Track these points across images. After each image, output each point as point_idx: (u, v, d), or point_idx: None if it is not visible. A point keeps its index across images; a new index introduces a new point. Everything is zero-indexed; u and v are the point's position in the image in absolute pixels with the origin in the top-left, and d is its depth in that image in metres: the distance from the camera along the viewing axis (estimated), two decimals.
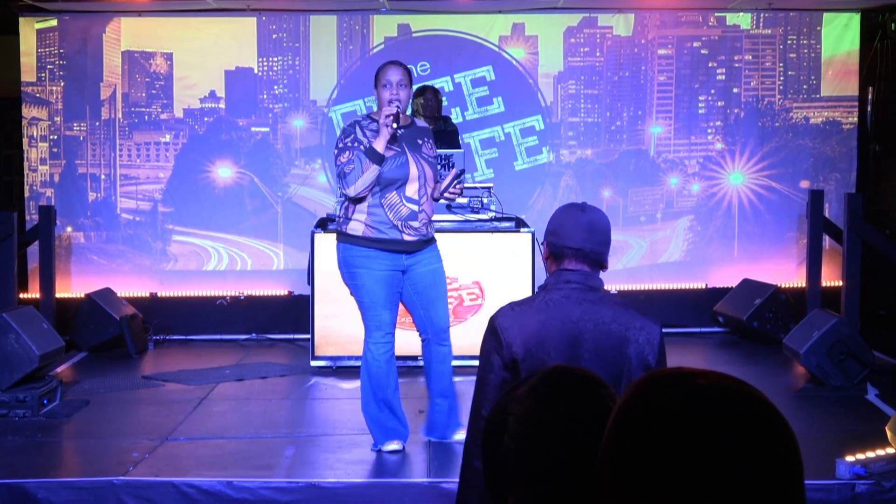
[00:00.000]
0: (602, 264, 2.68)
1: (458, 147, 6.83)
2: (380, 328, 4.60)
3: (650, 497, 1.04)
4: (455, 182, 4.62)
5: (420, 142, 4.64)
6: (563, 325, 2.58)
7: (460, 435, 4.59)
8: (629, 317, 2.61)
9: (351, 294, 4.70)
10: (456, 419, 4.81)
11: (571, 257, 2.64)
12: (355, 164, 4.43)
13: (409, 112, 4.65)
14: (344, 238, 4.60)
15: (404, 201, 4.53)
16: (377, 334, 4.60)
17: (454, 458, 4.65)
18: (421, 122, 4.84)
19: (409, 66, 4.73)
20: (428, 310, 4.70)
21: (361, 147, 4.48)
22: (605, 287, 2.71)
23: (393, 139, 4.51)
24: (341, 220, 4.65)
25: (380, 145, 4.45)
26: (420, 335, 4.79)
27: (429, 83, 7.32)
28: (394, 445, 4.69)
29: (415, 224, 4.56)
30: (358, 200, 4.55)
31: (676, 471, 1.03)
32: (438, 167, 4.70)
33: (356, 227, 4.56)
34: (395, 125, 4.45)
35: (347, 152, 4.50)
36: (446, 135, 6.87)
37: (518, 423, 1.53)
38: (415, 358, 4.99)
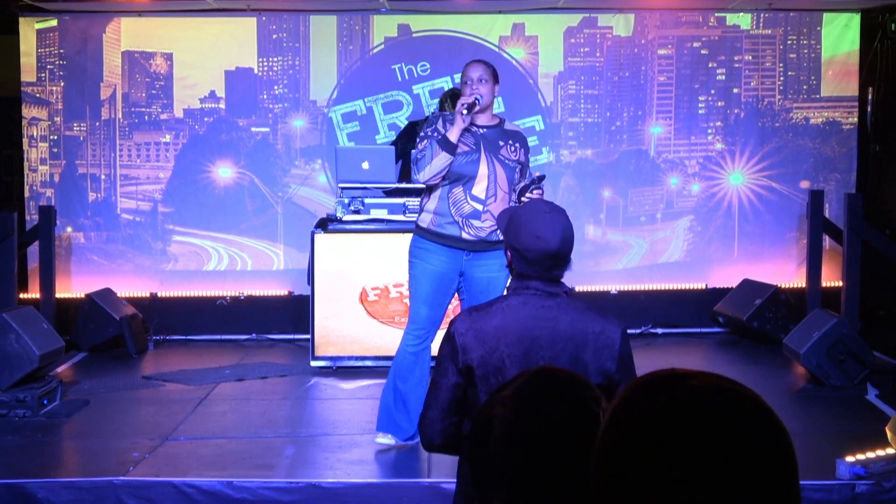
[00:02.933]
0: (564, 272, 2.65)
1: None
2: (415, 321, 4.68)
3: (645, 498, 1.04)
4: (533, 188, 4.53)
5: (501, 143, 4.61)
6: (518, 332, 2.55)
7: None
8: (587, 322, 2.57)
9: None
10: None
11: (535, 266, 2.60)
12: (427, 151, 4.50)
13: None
14: (415, 229, 4.72)
15: (468, 199, 4.56)
16: (411, 326, 4.70)
17: (454, 458, 4.65)
18: (511, 126, 4.77)
19: (492, 64, 4.73)
20: None
21: (437, 136, 4.54)
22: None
23: (474, 133, 4.55)
24: (418, 211, 4.76)
25: (452, 134, 4.49)
26: None
27: (428, 83, 7.31)
28: (387, 439, 4.75)
29: (476, 223, 4.56)
30: (431, 189, 4.63)
31: (671, 472, 1.03)
32: (517, 173, 4.64)
33: (424, 219, 4.66)
34: (464, 111, 4.47)
35: (425, 140, 4.57)
36: None
37: (503, 425, 1.54)
38: None
